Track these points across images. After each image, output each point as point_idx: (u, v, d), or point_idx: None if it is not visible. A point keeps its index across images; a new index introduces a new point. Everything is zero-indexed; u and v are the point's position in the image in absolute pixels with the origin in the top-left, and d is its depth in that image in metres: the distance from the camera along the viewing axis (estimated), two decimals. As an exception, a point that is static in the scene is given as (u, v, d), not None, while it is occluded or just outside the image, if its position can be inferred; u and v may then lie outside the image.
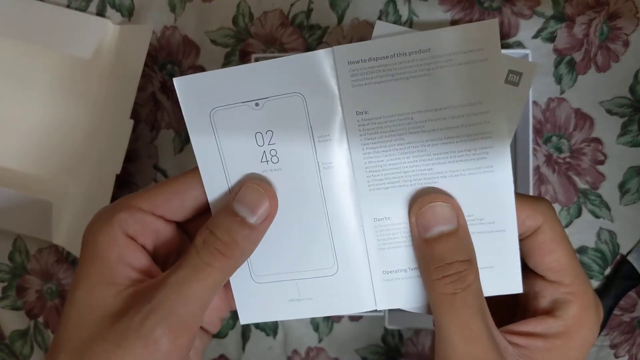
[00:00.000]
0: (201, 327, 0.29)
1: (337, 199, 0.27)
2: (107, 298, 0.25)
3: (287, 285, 0.28)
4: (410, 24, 0.47)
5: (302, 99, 0.26)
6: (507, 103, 0.25)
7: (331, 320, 0.48)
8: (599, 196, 0.46)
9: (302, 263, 0.28)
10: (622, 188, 0.46)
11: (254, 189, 0.26)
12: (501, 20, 0.46)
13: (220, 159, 0.26)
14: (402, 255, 0.27)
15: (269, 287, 0.28)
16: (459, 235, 0.25)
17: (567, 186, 0.46)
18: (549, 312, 0.26)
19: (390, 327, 0.43)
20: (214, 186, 0.27)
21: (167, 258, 0.28)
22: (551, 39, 0.46)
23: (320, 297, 0.28)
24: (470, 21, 0.46)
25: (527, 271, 0.27)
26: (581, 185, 0.46)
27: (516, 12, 0.46)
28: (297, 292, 0.28)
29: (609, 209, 0.46)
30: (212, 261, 0.24)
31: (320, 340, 0.48)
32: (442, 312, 0.25)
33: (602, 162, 0.46)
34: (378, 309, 0.28)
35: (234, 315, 0.48)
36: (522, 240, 0.26)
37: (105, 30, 0.46)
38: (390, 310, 0.43)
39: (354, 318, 0.48)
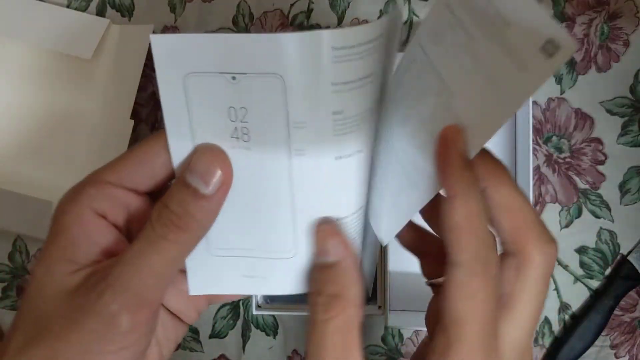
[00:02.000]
0: (177, 317, 0.29)
1: (306, 189, 0.26)
2: (64, 275, 0.24)
3: (243, 261, 0.28)
4: (410, 23, 0.47)
5: (281, 81, 0.24)
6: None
7: (331, 320, 0.48)
8: (599, 196, 0.46)
9: (262, 243, 0.27)
10: (623, 188, 0.46)
11: (204, 158, 0.25)
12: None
13: (189, 127, 0.25)
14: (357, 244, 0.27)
15: (223, 261, 0.28)
16: (336, 270, 0.25)
17: (567, 186, 0.46)
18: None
19: (390, 326, 0.43)
20: (181, 154, 0.25)
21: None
22: (551, 38, 0.46)
23: (274, 277, 0.28)
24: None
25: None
26: (581, 185, 0.46)
27: (516, 12, 0.46)
28: (253, 269, 0.28)
29: (609, 209, 0.46)
30: (167, 234, 0.24)
31: (320, 340, 0.48)
32: (307, 332, 0.25)
33: (602, 162, 0.46)
34: None
35: (234, 315, 0.48)
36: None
37: (105, 30, 0.46)
38: (390, 310, 0.43)
39: (354, 318, 0.48)
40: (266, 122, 0.25)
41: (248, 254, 0.28)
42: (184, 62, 0.24)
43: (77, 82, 0.46)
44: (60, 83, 0.46)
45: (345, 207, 0.27)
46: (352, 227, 0.27)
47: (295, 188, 0.26)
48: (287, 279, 0.28)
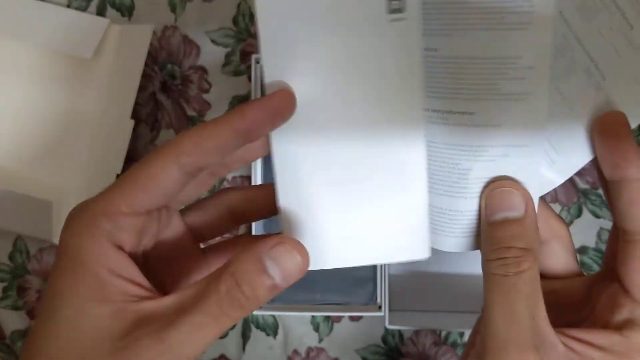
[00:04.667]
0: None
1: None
2: (104, 318, 0.23)
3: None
4: None
5: None
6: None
7: (331, 320, 0.48)
8: (600, 196, 0.46)
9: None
10: (623, 188, 0.46)
11: (292, 256, 0.25)
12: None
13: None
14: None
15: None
16: (524, 224, 0.25)
17: (568, 186, 0.46)
18: (619, 328, 0.25)
19: (390, 327, 0.43)
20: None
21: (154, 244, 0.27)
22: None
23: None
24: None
25: (614, 283, 0.26)
26: (582, 185, 0.46)
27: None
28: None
29: (609, 209, 0.46)
30: (231, 313, 0.24)
31: (320, 340, 0.48)
32: (490, 291, 0.25)
33: (602, 162, 0.46)
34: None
35: (234, 315, 0.48)
36: (621, 247, 0.25)
37: (106, 30, 0.46)
38: (390, 310, 0.43)
39: (354, 318, 0.48)
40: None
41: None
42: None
43: (77, 82, 0.46)
44: (60, 83, 0.46)
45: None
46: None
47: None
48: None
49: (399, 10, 0.24)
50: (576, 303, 0.27)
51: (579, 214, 0.46)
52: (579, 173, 0.46)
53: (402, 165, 0.26)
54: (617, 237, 0.26)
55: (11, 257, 0.49)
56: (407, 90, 0.25)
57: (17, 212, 0.45)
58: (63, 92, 0.46)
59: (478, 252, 0.27)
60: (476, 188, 0.26)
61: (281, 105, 0.25)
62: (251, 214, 0.29)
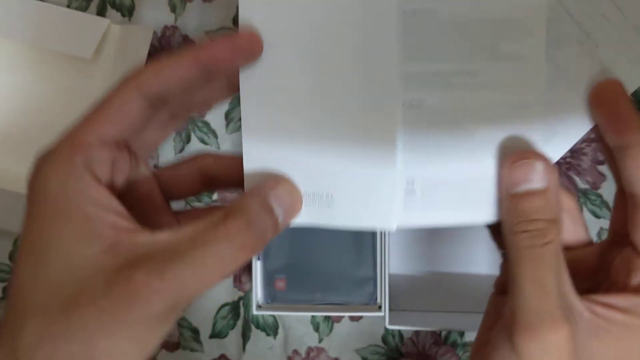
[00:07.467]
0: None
1: None
2: (96, 256, 0.22)
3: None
4: None
5: None
6: None
7: (331, 320, 0.48)
8: (600, 196, 0.46)
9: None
10: (623, 188, 0.46)
11: (293, 193, 0.26)
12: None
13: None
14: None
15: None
16: (547, 195, 0.25)
17: (568, 186, 0.46)
18: (637, 290, 0.25)
19: (390, 327, 0.43)
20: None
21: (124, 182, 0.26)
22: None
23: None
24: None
25: (626, 247, 0.26)
26: (582, 185, 0.46)
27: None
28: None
29: (609, 209, 0.46)
30: (240, 254, 0.23)
31: (320, 340, 0.48)
32: (517, 264, 0.25)
33: (602, 162, 0.46)
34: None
35: (234, 315, 0.48)
36: (631, 211, 0.26)
37: (106, 30, 0.46)
38: (390, 310, 0.43)
39: (354, 318, 0.48)
40: None
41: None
42: None
43: (77, 82, 0.46)
44: (60, 83, 0.46)
45: None
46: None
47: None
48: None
49: None
50: (590, 271, 0.28)
51: (579, 214, 0.46)
52: (579, 173, 0.46)
53: (373, 131, 0.26)
54: (623, 203, 0.26)
55: (11, 257, 0.49)
56: (382, 52, 0.26)
57: (17, 212, 0.45)
58: (63, 92, 0.47)
59: (477, 252, 0.27)
60: (482, 151, 0.26)
61: (245, 44, 0.25)
62: (222, 180, 0.29)
